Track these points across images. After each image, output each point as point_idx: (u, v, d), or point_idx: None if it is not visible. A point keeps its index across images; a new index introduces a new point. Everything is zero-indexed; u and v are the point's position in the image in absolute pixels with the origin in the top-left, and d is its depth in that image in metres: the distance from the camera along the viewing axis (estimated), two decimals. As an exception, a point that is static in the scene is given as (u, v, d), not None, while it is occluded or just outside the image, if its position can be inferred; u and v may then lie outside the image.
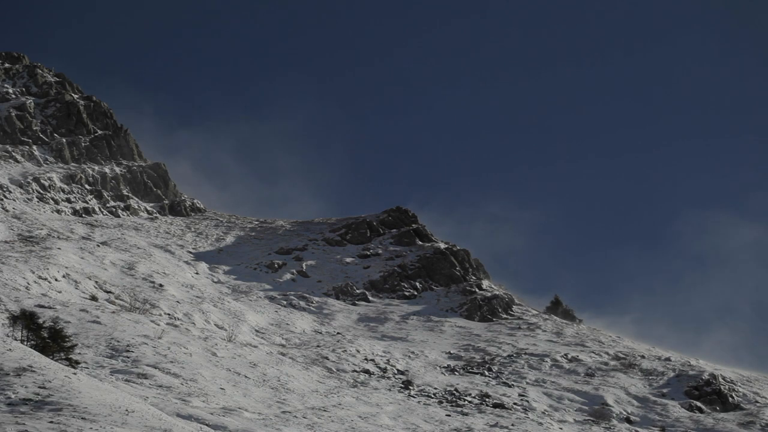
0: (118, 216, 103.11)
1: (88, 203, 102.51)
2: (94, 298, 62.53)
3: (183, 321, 63.55)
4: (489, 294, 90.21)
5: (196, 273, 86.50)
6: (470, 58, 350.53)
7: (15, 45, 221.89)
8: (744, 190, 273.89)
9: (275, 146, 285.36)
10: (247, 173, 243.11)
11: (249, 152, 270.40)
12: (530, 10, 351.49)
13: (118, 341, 45.73)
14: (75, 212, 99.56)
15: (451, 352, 72.41)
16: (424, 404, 55.25)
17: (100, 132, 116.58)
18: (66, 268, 67.23)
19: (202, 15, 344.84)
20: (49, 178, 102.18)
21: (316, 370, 59.39)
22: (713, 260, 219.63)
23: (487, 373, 66.72)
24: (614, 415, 60.91)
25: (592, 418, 59.35)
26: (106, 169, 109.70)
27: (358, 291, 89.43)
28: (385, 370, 63.84)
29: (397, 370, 64.66)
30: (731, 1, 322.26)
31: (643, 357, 72.94)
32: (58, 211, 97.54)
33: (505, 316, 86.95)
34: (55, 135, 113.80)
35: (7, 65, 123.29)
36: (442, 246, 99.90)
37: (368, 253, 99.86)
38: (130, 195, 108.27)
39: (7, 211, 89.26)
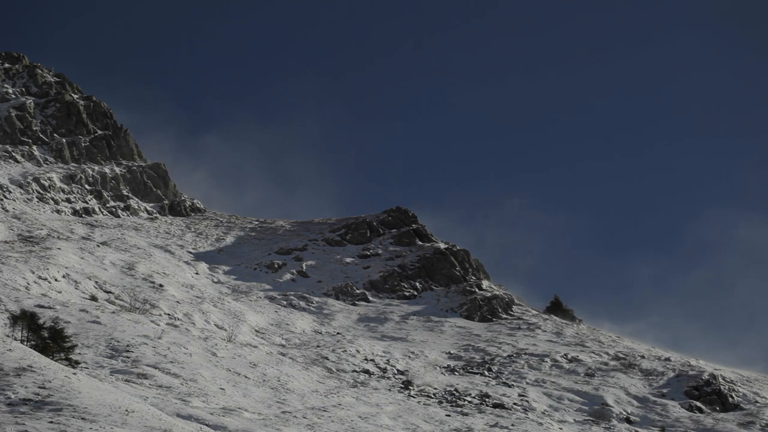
0: (118, 216, 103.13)
1: (88, 203, 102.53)
2: (94, 299, 62.55)
3: (183, 321, 63.57)
4: (489, 294, 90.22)
5: (196, 273, 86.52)
6: (471, 58, 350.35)
7: (15, 45, 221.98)
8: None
9: (275, 146, 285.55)
10: (248, 173, 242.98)
11: (251, 153, 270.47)
12: (534, 11, 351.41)
13: (118, 341, 45.74)
14: (75, 212, 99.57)
15: (451, 352, 72.42)
16: (424, 404, 55.27)
17: (100, 132, 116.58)
18: (66, 268, 67.24)
19: (201, 15, 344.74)
20: (49, 178, 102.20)
21: (316, 370, 59.40)
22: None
23: (487, 373, 66.73)
24: (614, 415, 60.92)
25: (592, 418, 59.36)
26: (106, 169, 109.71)
27: (358, 291, 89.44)
28: (385, 371, 63.85)
29: (397, 370, 64.67)
30: (732, 1, 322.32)
31: (643, 357, 72.96)
32: (58, 211, 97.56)
33: (505, 316, 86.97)
34: (55, 135, 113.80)
35: (7, 65, 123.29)
36: (442, 246, 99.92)
37: (368, 253, 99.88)
38: (130, 195, 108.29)
39: (7, 211, 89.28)
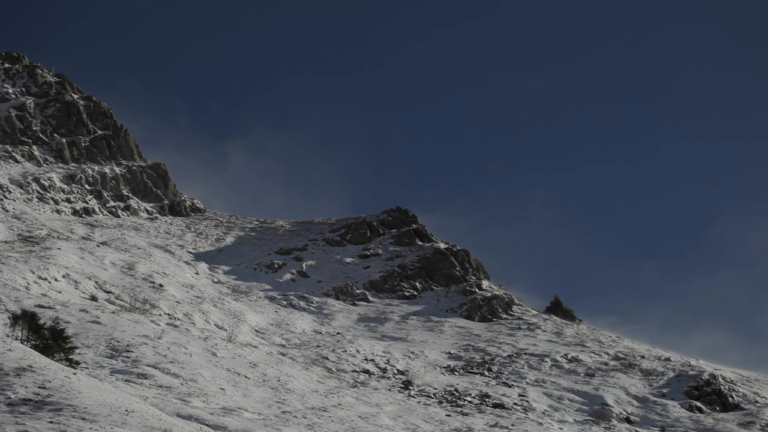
0: (118, 216, 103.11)
1: (88, 203, 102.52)
2: (94, 299, 62.53)
3: (183, 321, 63.56)
4: (489, 294, 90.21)
5: (196, 273, 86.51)
6: (472, 59, 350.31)
7: (15, 45, 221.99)
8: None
9: (276, 147, 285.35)
10: (248, 175, 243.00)
11: (251, 153, 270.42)
12: (537, 11, 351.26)
13: (118, 341, 45.73)
14: (75, 212, 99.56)
15: (451, 352, 72.41)
16: (424, 404, 55.26)
17: (100, 132, 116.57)
18: (66, 268, 67.23)
19: (201, 15, 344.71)
20: (49, 178, 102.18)
21: (316, 370, 59.39)
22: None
23: (487, 373, 66.72)
24: (614, 415, 60.90)
25: (592, 418, 59.35)
26: (106, 169, 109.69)
27: (358, 291, 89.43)
28: (385, 370, 63.84)
29: (397, 370, 64.66)
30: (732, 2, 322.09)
31: (643, 357, 72.95)
32: (58, 211, 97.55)
33: (505, 316, 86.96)
34: (55, 135, 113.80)
35: (7, 65, 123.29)
36: (442, 246, 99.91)
37: (368, 253, 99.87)
38: (130, 195, 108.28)
39: (7, 211, 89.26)
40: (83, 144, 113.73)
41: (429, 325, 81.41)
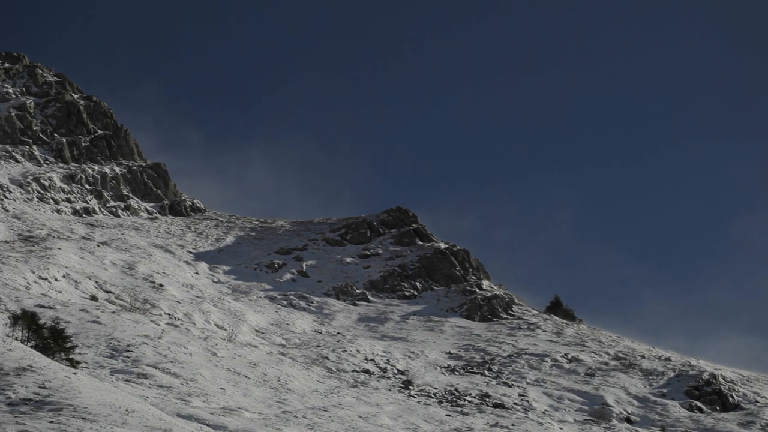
0: (118, 216, 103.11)
1: (88, 203, 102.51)
2: (94, 298, 62.52)
3: (183, 321, 63.56)
4: (489, 294, 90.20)
5: (196, 273, 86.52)
6: (473, 60, 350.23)
7: (15, 45, 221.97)
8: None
9: (276, 147, 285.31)
10: (250, 174, 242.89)
11: (251, 153, 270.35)
12: (537, 11, 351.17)
13: (118, 341, 45.73)
14: (75, 212, 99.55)
15: (451, 352, 72.40)
16: (424, 404, 55.25)
17: (100, 132, 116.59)
18: (66, 268, 67.22)
19: (201, 15, 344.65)
20: (49, 178, 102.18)
21: (316, 370, 59.38)
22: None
23: (487, 373, 66.71)
24: (614, 415, 60.90)
25: (592, 418, 59.34)
26: (106, 169, 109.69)
27: (358, 291, 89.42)
28: (385, 370, 63.83)
29: (397, 370, 64.65)
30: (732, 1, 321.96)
31: (643, 357, 72.95)
32: (58, 211, 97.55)
33: (505, 316, 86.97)
34: (55, 135, 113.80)
35: (7, 65, 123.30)
36: (442, 246, 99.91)
37: (368, 253, 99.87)
38: (130, 195, 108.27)
39: (7, 211, 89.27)
40: (83, 144, 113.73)
41: (429, 325, 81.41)
